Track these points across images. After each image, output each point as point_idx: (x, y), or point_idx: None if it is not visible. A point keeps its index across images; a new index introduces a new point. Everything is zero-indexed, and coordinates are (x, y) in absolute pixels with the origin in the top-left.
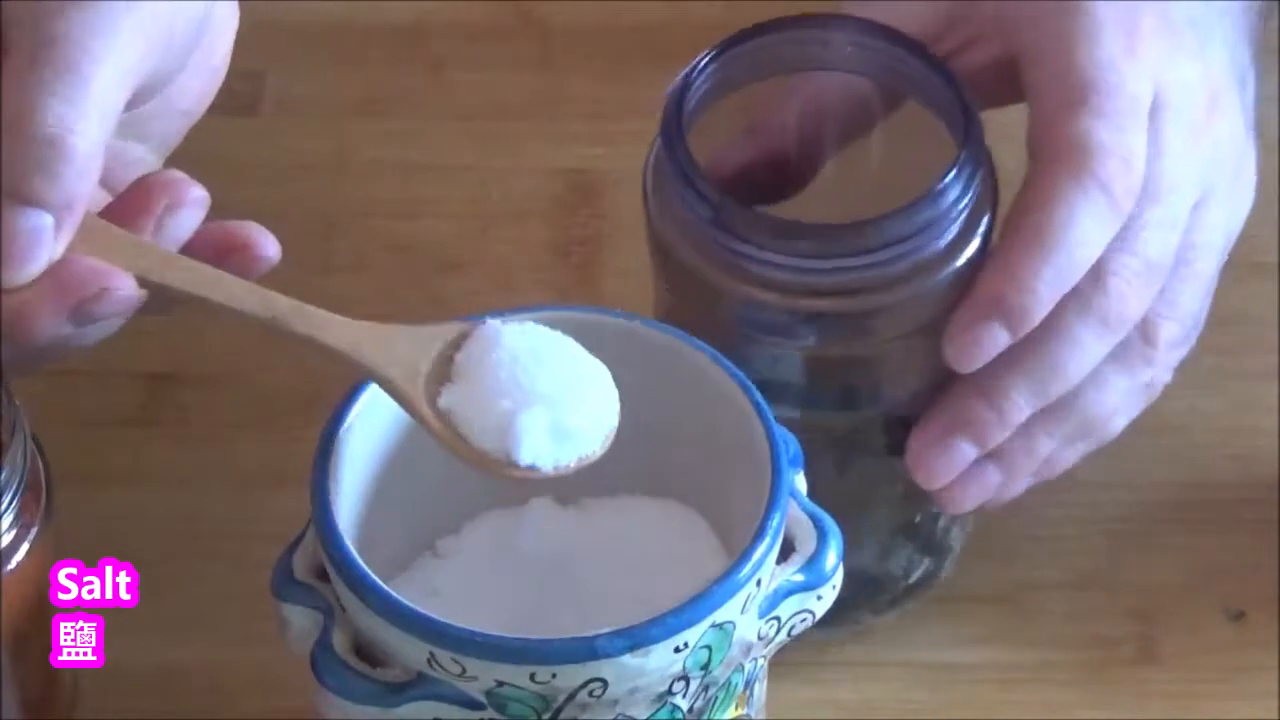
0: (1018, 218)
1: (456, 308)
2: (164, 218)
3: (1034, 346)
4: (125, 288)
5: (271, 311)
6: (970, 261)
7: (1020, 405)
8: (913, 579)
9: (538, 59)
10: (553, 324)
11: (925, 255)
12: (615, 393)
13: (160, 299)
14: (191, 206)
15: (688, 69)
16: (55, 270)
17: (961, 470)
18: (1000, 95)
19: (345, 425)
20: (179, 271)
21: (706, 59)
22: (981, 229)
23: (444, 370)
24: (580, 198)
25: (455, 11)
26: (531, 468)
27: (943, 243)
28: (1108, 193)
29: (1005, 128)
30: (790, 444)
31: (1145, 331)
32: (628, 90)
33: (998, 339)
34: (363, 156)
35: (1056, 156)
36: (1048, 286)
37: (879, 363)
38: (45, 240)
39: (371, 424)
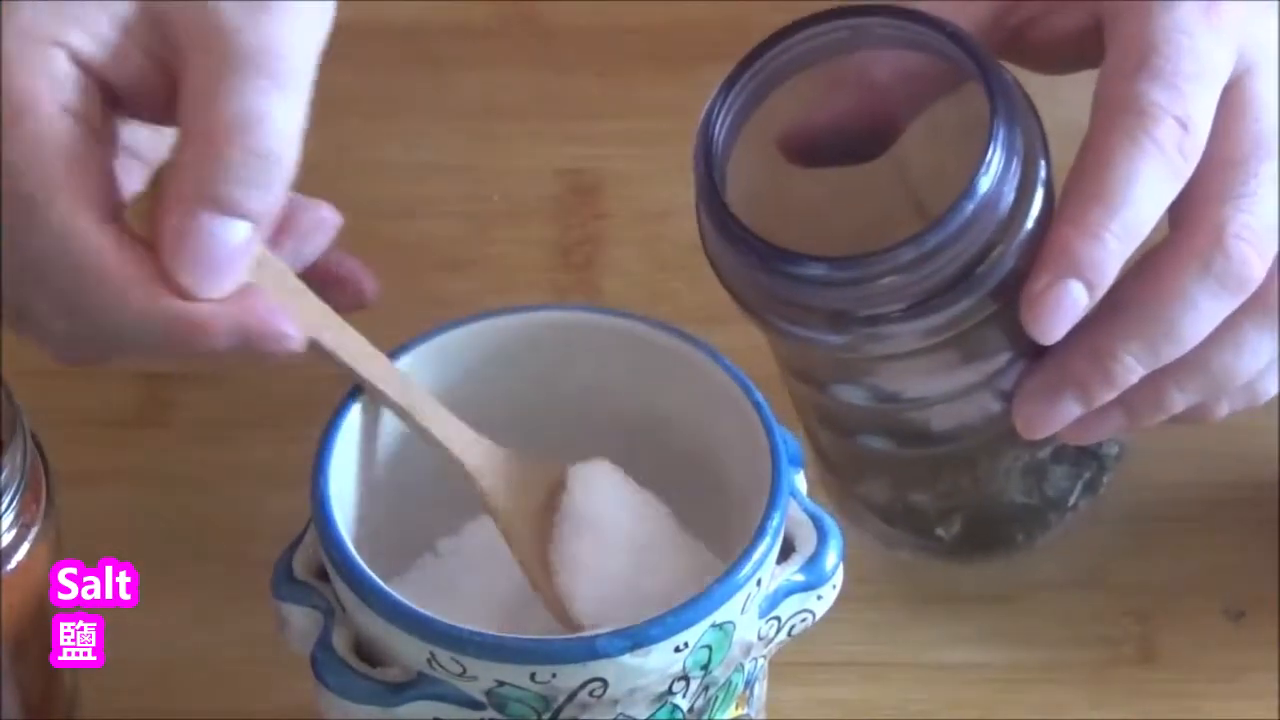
0: (1077, 178)
1: (457, 308)
2: (301, 240)
3: (1147, 308)
4: (296, 340)
5: (408, 400)
6: (1023, 243)
7: (1130, 366)
8: (1071, 500)
9: (538, 59)
10: (553, 324)
11: (970, 254)
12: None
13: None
14: (327, 230)
15: (705, 113)
16: (244, 296)
17: (1062, 426)
18: (1087, 59)
19: (345, 425)
20: (336, 335)
21: (721, 98)
22: (1030, 214)
23: (549, 510)
24: (580, 198)
25: (455, 11)
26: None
27: (984, 239)
28: (1163, 151)
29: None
30: (790, 444)
31: None
32: (628, 90)
33: (1075, 297)
34: (363, 156)
35: (1112, 117)
36: (1116, 239)
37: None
38: (246, 252)
39: (371, 424)
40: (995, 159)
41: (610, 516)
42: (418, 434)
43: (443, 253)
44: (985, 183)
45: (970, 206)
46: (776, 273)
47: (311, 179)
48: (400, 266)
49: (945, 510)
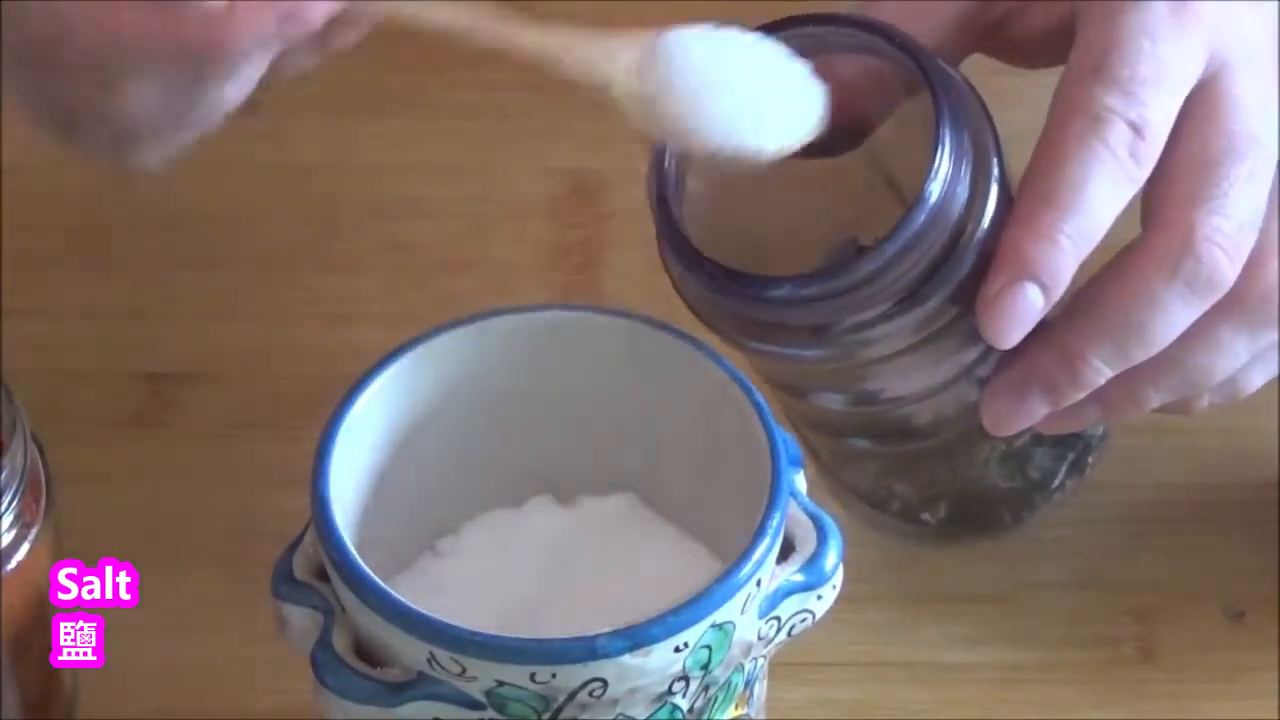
0: (1031, 179)
1: (457, 308)
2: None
3: (1116, 310)
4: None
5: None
6: (984, 235)
7: (1098, 367)
8: (1056, 481)
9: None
10: (553, 324)
11: (928, 260)
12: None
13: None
14: None
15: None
16: None
17: (1031, 424)
18: (1065, 55)
19: (345, 425)
20: None
21: None
22: (986, 203)
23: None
24: (580, 198)
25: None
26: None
27: (940, 241)
28: (1115, 156)
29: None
30: (790, 444)
31: (1265, 292)
32: None
33: (1031, 300)
34: (363, 156)
35: (1066, 119)
36: (1070, 240)
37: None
38: None
39: (371, 424)
40: (943, 165)
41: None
42: (510, 50)
43: (443, 253)
44: (935, 189)
45: (921, 216)
46: (735, 295)
47: (311, 179)
48: (400, 266)
49: (929, 498)
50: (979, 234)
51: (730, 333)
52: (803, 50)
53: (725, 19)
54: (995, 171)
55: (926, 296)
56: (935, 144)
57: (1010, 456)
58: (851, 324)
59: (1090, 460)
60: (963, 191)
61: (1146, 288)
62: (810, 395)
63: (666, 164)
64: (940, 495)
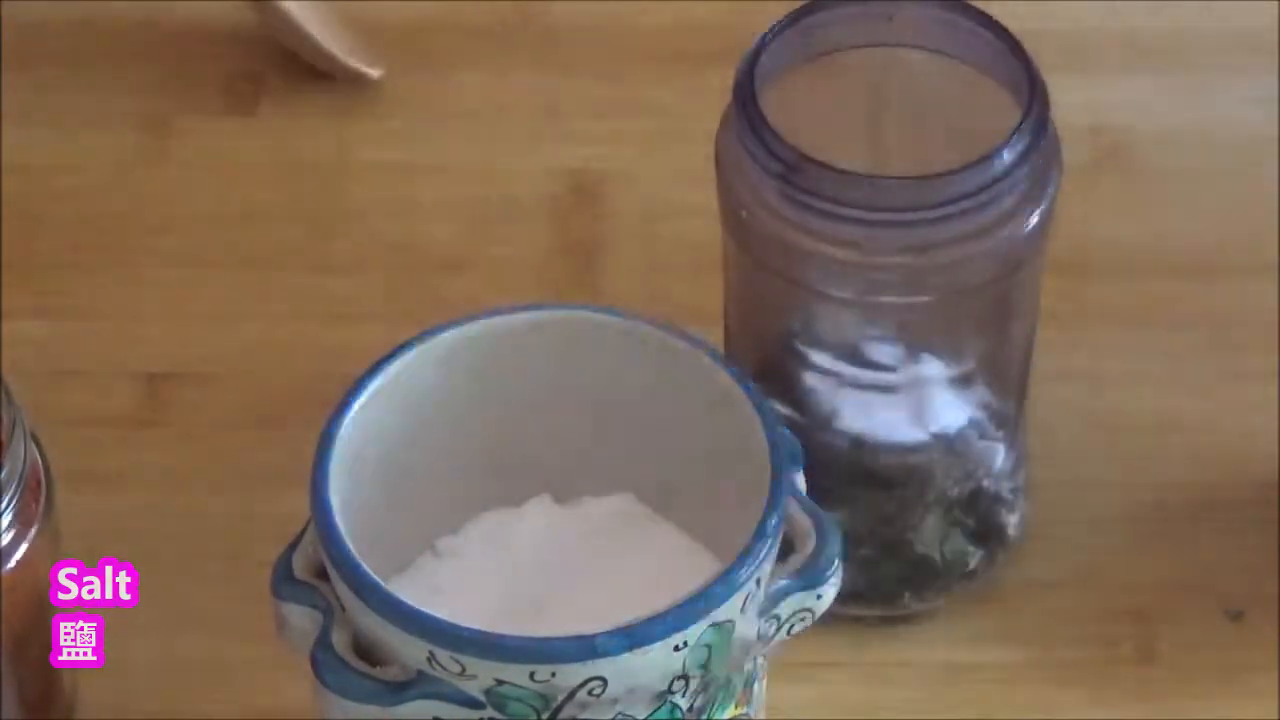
0: None
1: (457, 308)
2: None
3: None
4: None
5: None
6: (1033, 229)
7: None
8: (967, 568)
9: (538, 59)
10: (553, 324)
11: (983, 217)
12: None
13: None
14: None
15: (762, 34)
16: None
17: None
18: None
19: (345, 425)
20: None
21: (780, 25)
22: (1044, 200)
23: None
24: (580, 198)
25: (455, 11)
26: None
27: (1001, 207)
28: None
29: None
30: (790, 444)
31: None
32: (628, 90)
33: None
34: (363, 156)
35: None
36: None
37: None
38: None
39: (372, 423)
40: (1026, 129)
41: None
42: None
43: (443, 253)
44: (1009, 153)
45: (991, 169)
46: (796, 179)
47: (311, 179)
48: (400, 266)
49: (856, 537)
50: (1011, 234)
51: (772, 224)
52: (862, 36)
53: (730, 18)
54: (1051, 191)
55: (942, 254)
56: (1024, 113)
57: (950, 509)
58: (884, 244)
59: (996, 563)
60: (1028, 173)
61: None
62: (801, 342)
63: (765, 51)
64: (866, 539)
